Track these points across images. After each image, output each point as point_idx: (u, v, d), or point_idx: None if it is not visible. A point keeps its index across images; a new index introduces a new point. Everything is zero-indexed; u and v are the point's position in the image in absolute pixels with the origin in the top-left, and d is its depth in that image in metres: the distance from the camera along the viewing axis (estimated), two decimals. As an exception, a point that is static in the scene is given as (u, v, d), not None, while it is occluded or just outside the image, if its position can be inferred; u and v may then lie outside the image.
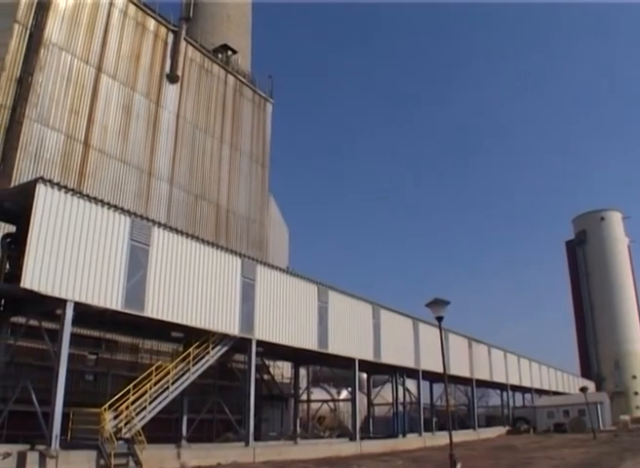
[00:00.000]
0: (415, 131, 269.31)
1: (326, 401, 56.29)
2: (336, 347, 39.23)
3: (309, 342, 37.33)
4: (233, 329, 31.64)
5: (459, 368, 55.95)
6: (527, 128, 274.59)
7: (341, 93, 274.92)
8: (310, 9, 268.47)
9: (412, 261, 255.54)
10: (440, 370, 32.10)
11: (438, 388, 62.04)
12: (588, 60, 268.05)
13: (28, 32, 36.69)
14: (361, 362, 41.88)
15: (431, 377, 54.93)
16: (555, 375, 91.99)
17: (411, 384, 54.27)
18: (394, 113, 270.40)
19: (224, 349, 31.55)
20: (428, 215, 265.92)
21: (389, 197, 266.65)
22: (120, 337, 37.57)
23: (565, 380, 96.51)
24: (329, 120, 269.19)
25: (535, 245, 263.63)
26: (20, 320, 26.65)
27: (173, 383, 28.16)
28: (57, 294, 23.31)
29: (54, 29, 38.22)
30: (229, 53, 56.71)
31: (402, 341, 47.73)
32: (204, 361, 30.19)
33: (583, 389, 59.60)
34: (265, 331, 33.71)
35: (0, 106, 34.59)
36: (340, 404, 58.38)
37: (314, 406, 55.95)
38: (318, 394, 58.58)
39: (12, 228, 27.06)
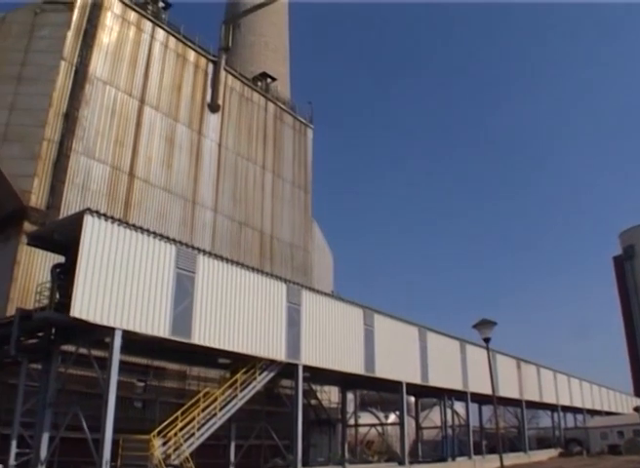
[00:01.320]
0: (459, 154, 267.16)
1: (374, 425, 55.86)
2: (383, 371, 39.00)
3: (356, 366, 37.18)
4: (280, 354, 31.69)
5: (507, 389, 55.12)
6: (565, 143, 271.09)
7: (383, 116, 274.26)
8: (347, 33, 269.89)
9: (458, 283, 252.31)
10: (489, 391, 31.72)
11: (487, 410, 61.24)
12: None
13: (74, 68, 37.94)
14: (408, 385, 41.55)
15: (480, 399, 54.22)
16: (607, 395, 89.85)
17: (459, 407, 53.69)
18: (438, 134, 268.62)
19: (271, 375, 31.58)
20: (473, 237, 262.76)
21: (433, 222, 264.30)
22: (168, 364, 37.88)
23: (618, 400, 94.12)
24: (370, 143, 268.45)
25: (582, 261, 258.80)
26: (71, 348, 27.08)
27: (220, 409, 28.27)
28: (105, 323, 23.71)
29: (98, 64, 39.41)
30: (268, 80, 57.51)
31: (449, 363, 47.29)
32: (251, 387, 30.23)
33: (638, 409, 58.12)
34: (312, 356, 33.69)
35: (48, 141, 35.68)
36: (389, 428, 57.90)
37: (362, 430, 55.61)
38: (366, 418, 58.23)
39: (61, 258, 27.57)
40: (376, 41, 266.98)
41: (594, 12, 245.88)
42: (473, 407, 54.19)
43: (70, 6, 39.16)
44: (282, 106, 57.65)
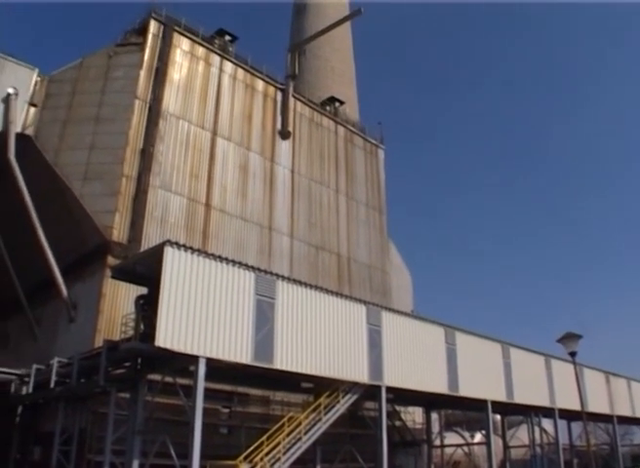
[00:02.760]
0: (535, 164, 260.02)
1: (460, 445, 54.98)
2: (467, 389, 38.42)
3: (439, 386, 36.77)
4: (362, 376, 31.66)
5: (597, 404, 53.35)
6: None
7: (454, 129, 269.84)
8: (414, 48, 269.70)
9: (541, 296, 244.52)
10: (577, 407, 30.91)
11: (576, 427, 59.38)
12: None
13: (147, 106, 39.51)
14: (494, 403, 40.79)
15: (568, 416, 52.71)
16: None
17: (547, 424, 52.34)
18: (515, 145, 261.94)
19: (354, 397, 31.51)
20: (554, 247, 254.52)
21: (512, 235, 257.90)
22: (251, 390, 38.23)
23: None
24: (444, 157, 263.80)
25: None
26: (156, 377, 27.76)
27: (305, 433, 28.33)
28: (189, 351, 24.25)
29: (170, 100, 40.94)
30: (337, 104, 58.00)
31: (535, 379, 46.23)
32: (335, 410, 30.22)
33: None
34: (394, 376, 33.50)
35: (127, 177, 37.03)
36: (475, 447, 56.90)
37: (448, 450, 54.79)
38: (451, 438, 57.44)
39: (144, 290, 28.31)
40: (443, 54, 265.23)
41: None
42: (562, 423, 52.72)
43: (141, 46, 40.87)
44: (352, 129, 58.09)
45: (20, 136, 37.38)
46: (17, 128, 37.32)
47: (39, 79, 39.60)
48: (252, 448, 25.76)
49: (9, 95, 37.41)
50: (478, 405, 40.79)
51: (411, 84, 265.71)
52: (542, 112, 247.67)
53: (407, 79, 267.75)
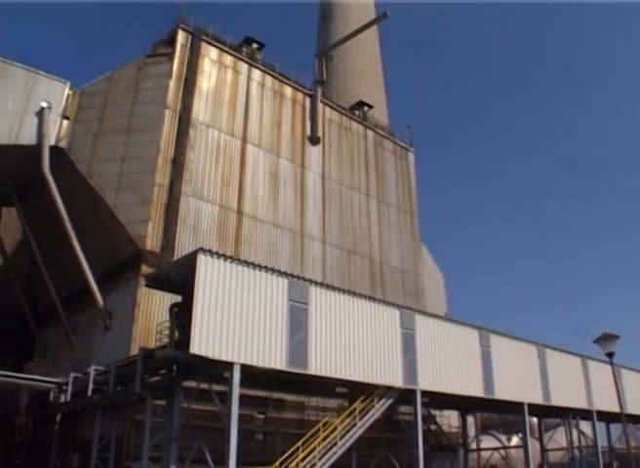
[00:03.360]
0: (562, 161, 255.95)
1: (496, 448, 54.43)
2: (502, 392, 38.06)
3: (475, 389, 36.47)
4: (397, 380, 31.54)
5: (636, 405, 52.40)
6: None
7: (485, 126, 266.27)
8: (441, 48, 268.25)
9: (572, 296, 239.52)
10: (615, 409, 30.49)
11: (615, 429, 58.41)
12: None
13: (177, 115, 39.86)
14: (530, 405, 40.37)
15: (607, 418, 51.93)
16: None
17: (585, 426, 51.62)
18: (543, 144, 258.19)
19: (389, 402, 31.39)
20: (586, 244, 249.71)
21: (543, 236, 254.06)
22: (286, 396, 38.30)
23: None
24: (476, 156, 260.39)
25: None
26: (192, 384, 27.92)
27: (341, 438, 28.27)
28: (223, 358, 24.39)
29: (200, 109, 41.33)
30: (365, 108, 58.14)
31: (571, 381, 45.62)
32: (370, 415, 30.14)
33: None
34: (429, 380, 33.32)
35: (159, 186, 37.40)
36: (512, 451, 56.33)
37: (484, 454, 54.24)
38: (488, 442, 56.89)
39: (178, 298, 28.53)
40: (470, 52, 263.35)
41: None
42: (600, 426, 51.94)
43: (170, 56, 41.32)
44: (381, 133, 58.09)
45: (54, 149, 38.05)
46: (50, 141, 38.00)
47: (71, 92, 40.21)
48: (287, 453, 25.80)
49: (42, 108, 38.12)
50: (514, 407, 40.37)
51: (442, 81, 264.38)
52: (571, 112, 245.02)
53: (438, 77, 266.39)
